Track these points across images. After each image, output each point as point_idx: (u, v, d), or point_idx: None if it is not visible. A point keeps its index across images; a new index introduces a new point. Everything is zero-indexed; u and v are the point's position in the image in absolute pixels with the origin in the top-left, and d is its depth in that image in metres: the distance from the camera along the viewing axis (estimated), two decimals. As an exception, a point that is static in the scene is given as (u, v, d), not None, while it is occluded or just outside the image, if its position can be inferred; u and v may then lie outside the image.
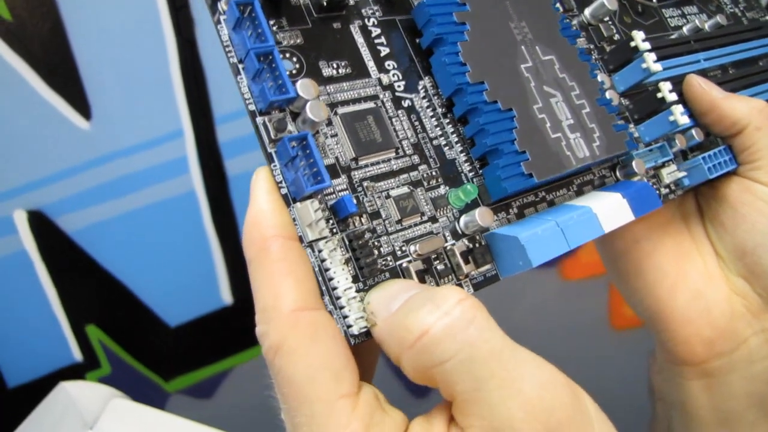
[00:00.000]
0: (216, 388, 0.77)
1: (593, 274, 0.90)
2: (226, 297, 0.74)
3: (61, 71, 0.61)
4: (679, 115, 0.32)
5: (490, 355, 0.18)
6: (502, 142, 0.26)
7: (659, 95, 0.32)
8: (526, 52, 0.28)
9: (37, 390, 0.66)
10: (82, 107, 0.62)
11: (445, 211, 0.26)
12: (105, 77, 0.62)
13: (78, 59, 0.61)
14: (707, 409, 0.30)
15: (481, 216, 0.25)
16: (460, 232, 0.26)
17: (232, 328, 0.76)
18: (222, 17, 0.23)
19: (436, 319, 0.18)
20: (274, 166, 0.22)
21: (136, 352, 0.71)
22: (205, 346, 0.75)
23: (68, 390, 0.55)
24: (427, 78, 0.27)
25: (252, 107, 0.22)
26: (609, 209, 0.26)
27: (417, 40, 0.28)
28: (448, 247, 0.25)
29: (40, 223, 0.64)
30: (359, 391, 0.19)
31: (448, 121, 0.27)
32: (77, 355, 0.69)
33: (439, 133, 0.27)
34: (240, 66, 0.22)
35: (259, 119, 0.22)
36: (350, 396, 0.19)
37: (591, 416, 0.18)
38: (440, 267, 0.25)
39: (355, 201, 0.23)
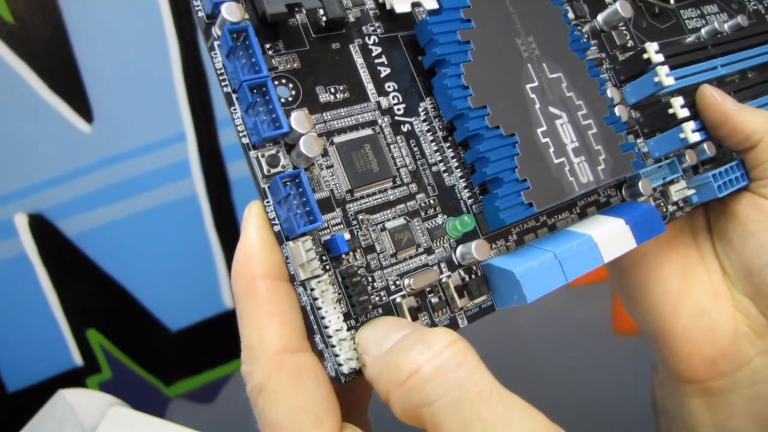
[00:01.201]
0: (217, 393, 0.76)
1: (597, 278, 0.89)
2: (228, 301, 0.73)
3: (63, 74, 0.60)
4: (690, 132, 0.30)
5: (479, 397, 0.18)
6: (502, 171, 0.25)
7: (670, 111, 0.31)
8: (532, 70, 0.27)
9: (37, 395, 0.66)
10: (84, 110, 0.62)
11: (441, 242, 0.25)
12: (107, 80, 0.62)
13: (80, 62, 0.60)
14: (709, 427, 0.30)
15: (477, 249, 0.24)
16: (456, 262, 0.25)
17: (234, 333, 0.75)
18: (216, 43, 0.22)
19: (426, 360, 0.18)
20: (267, 202, 0.21)
21: (137, 357, 0.71)
22: (206, 351, 0.75)
23: (67, 398, 0.54)
24: (428, 99, 0.26)
25: (245, 140, 0.21)
26: (610, 237, 0.26)
27: (419, 58, 0.27)
28: (443, 280, 0.24)
29: (41, 227, 0.64)
30: None
31: (448, 144, 0.26)
32: (78, 360, 0.69)
33: (439, 158, 0.26)
34: (234, 96, 0.21)
35: (252, 153, 0.21)
36: None
37: None
38: (434, 300, 0.24)
39: (348, 237, 0.22)
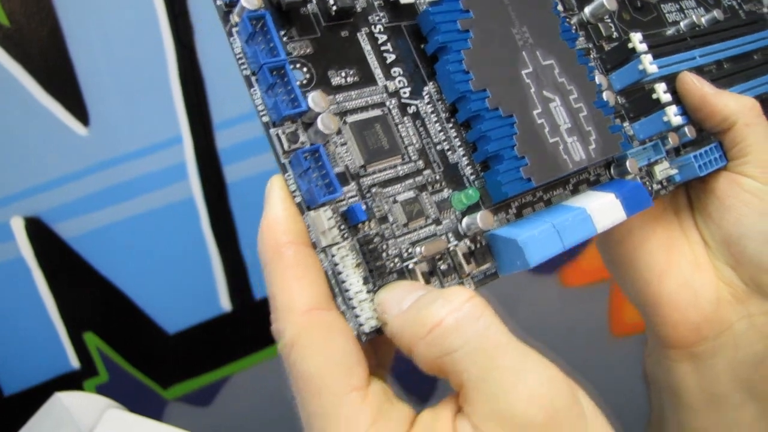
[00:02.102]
0: (214, 396, 0.76)
1: (593, 280, 0.90)
2: (225, 304, 0.74)
3: (59, 77, 0.61)
4: (672, 115, 0.33)
5: (496, 347, 0.20)
6: (502, 148, 0.27)
7: (654, 96, 0.33)
8: (527, 57, 0.29)
9: (34, 398, 0.66)
10: (80, 113, 0.62)
11: (447, 214, 0.27)
12: (104, 83, 0.62)
13: (76, 65, 0.61)
14: (695, 391, 0.32)
15: (482, 219, 0.26)
16: (461, 233, 0.27)
17: (231, 335, 0.75)
18: (234, 29, 0.23)
19: (447, 313, 0.20)
20: (288, 175, 0.23)
21: (134, 360, 0.71)
22: (203, 354, 0.75)
23: (63, 400, 0.54)
24: (431, 83, 0.28)
25: (266, 119, 0.23)
26: (602, 209, 0.28)
27: (422, 46, 0.28)
28: (451, 248, 0.26)
29: (38, 230, 0.64)
30: (369, 385, 0.21)
31: (451, 125, 0.28)
32: (74, 363, 0.68)
33: (443, 137, 0.28)
34: (253, 78, 0.23)
35: (272, 131, 0.23)
36: (360, 389, 0.20)
37: (585, 410, 0.20)
38: (443, 267, 0.26)
39: (364, 208, 0.24)
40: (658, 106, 0.33)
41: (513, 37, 0.28)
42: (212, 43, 0.65)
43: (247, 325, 0.75)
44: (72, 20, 0.59)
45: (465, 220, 0.27)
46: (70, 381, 0.68)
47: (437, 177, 0.27)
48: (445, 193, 0.27)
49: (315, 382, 0.20)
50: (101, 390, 0.70)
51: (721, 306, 0.31)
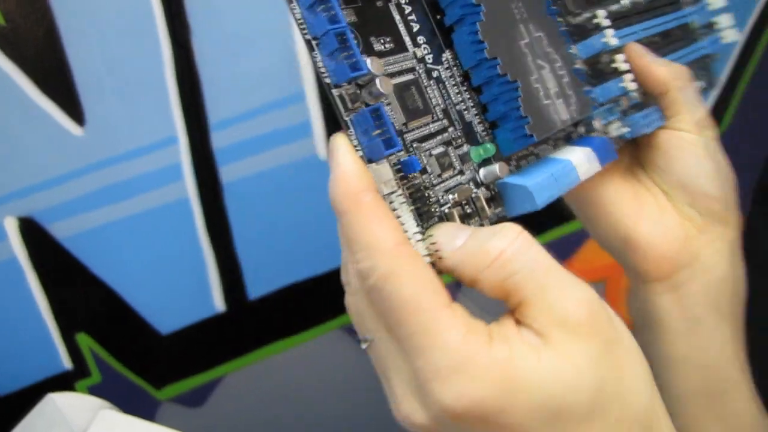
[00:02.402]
0: (207, 397, 0.76)
1: (587, 280, 0.90)
2: (219, 304, 0.74)
3: (55, 77, 0.61)
4: (628, 82, 0.38)
5: (548, 268, 0.25)
6: (510, 110, 0.32)
7: (613, 65, 0.39)
8: (524, 29, 0.34)
9: (26, 399, 0.65)
10: (76, 113, 0.62)
11: (468, 165, 0.32)
12: (100, 83, 0.62)
13: (72, 65, 0.61)
14: (678, 321, 0.36)
15: (500, 168, 0.31)
16: (479, 182, 0.32)
17: (225, 336, 0.75)
18: None
19: (507, 244, 0.25)
20: (350, 132, 0.26)
21: (127, 360, 0.71)
22: (197, 354, 0.75)
23: (56, 401, 0.54)
24: (448, 51, 0.33)
25: (328, 80, 0.26)
26: (583, 161, 0.33)
27: (438, 17, 0.33)
28: (473, 195, 0.31)
29: (31, 230, 0.63)
30: (453, 302, 0.24)
31: (465, 89, 0.33)
32: (67, 364, 0.68)
33: (460, 99, 0.33)
34: (314, 42, 0.26)
35: (335, 91, 0.26)
36: (450, 306, 0.24)
37: (610, 313, 0.25)
38: (469, 210, 0.31)
39: (418, 159, 0.28)
40: (616, 73, 0.39)
41: (512, 12, 0.33)
42: (209, 43, 0.65)
43: (241, 326, 0.75)
44: (68, 20, 0.60)
45: (482, 171, 0.32)
46: (63, 382, 0.68)
47: (458, 134, 0.32)
48: (465, 147, 0.32)
49: (413, 304, 0.23)
50: (94, 391, 0.69)
51: (688, 239, 0.36)
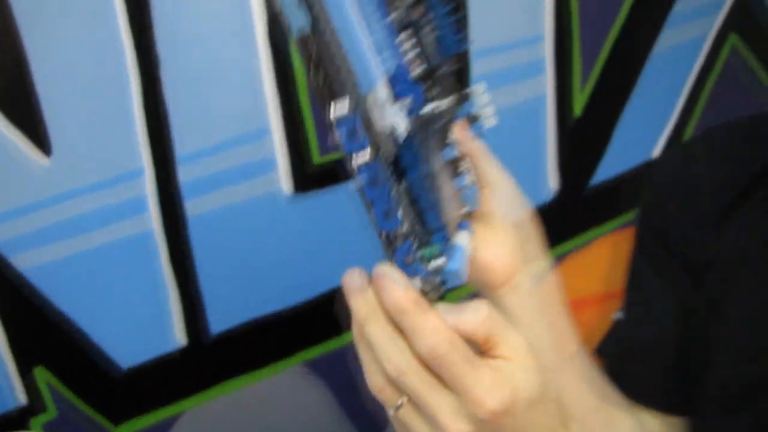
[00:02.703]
0: (166, 433, 0.75)
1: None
2: (181, 338, 0.73)
3: (22, 106, 0.61)
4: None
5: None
6: None
7: None
8: None
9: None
10: (43, 143, 0.62)
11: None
12: (67, 114, 0.63)
13: (40, 94, 0.61)
14: (528, 313, 0.40)
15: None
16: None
17: (186, 370, 0.75)
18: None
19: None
20: None
21: (86, 395, 0.69)
22: (157, 389, 0.73)
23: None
24: None
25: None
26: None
27: None
28: None
29: (-9, 262, 0.63)
30: None
31: None
32: (22, 399, 0.66)
33: None
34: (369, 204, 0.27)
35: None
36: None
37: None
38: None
39: None
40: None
41: None
42: (177, 75, 0.66)
43: (203, 360, 0.75)
44: (37, 49, 0.60)
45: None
46: (17, 417, 0.66)
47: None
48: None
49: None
50: (49, 427, 0.67)
51: (515, 257, 0.40)
